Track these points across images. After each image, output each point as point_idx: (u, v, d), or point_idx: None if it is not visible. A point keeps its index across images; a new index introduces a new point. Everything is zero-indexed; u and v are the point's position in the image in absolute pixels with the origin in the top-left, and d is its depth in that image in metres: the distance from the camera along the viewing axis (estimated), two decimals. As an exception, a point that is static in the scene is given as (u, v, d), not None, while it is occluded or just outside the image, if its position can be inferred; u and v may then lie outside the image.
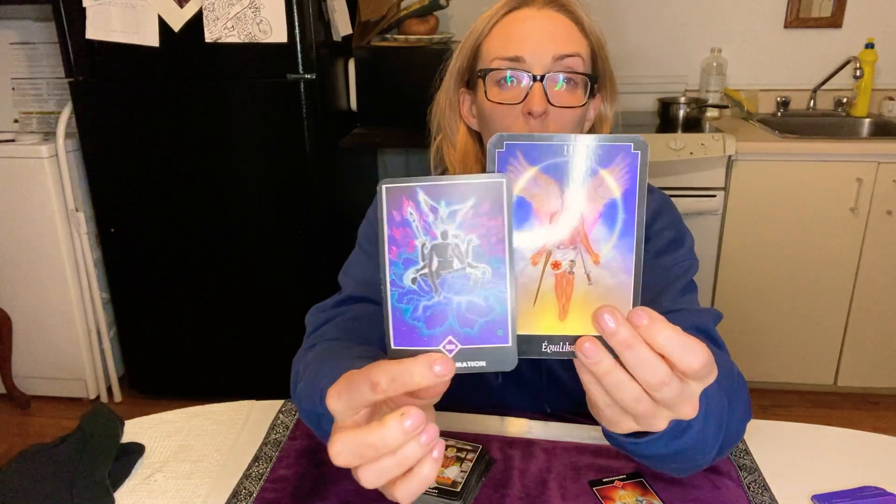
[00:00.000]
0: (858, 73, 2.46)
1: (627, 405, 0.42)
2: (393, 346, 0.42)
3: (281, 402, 1.06)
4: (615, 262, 0.41)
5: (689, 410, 0.43)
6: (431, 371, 0.39)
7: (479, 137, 0.90)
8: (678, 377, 0.40)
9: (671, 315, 0.74)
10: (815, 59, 2.60)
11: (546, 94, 0.78)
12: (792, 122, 2.55)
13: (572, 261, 0.41)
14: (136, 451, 0.94)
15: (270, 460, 0.92)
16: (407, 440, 0.39)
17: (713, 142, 2.14)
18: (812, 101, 2.62)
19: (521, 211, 0.41)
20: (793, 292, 2.33)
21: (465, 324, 0.41)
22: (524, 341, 0.42)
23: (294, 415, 1.03)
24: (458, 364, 0.40)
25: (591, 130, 0.90)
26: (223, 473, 0.90)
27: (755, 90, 2.64)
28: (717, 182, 2.22)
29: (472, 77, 0.86)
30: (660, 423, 0.44)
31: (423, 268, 0.41)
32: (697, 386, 0.42)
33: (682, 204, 2.21)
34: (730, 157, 2.18)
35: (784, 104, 2.62)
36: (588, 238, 0.41)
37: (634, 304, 0.41)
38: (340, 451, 0.41)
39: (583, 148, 0.40)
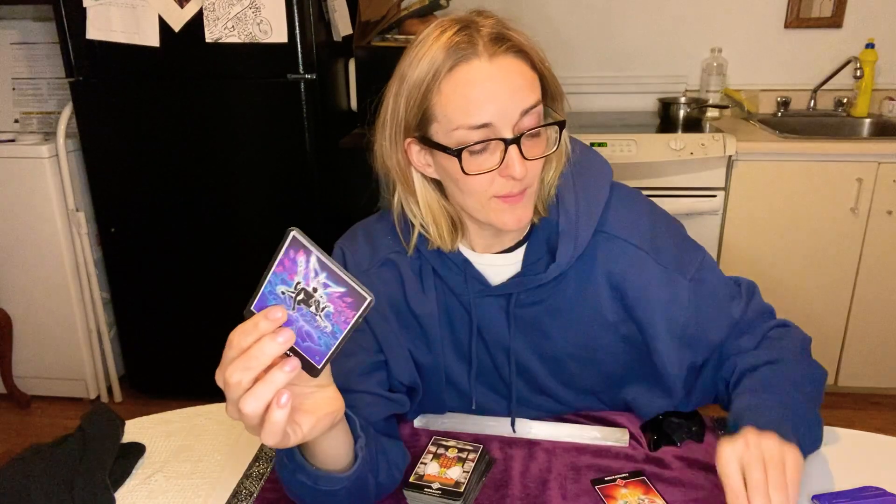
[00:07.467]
0: (859, 73, 2.46)
1: None
2: (252, 308, 0.59)
3: (281, 402, 1.06)
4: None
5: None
6: (266, 318, 0.56)
7: (438, 184, 0.87)
8: None
9: (745, 337, 0.92)
10: (816, 59, 2.60)
11: (521, 152, 0.78)
12: (792, 122, 2.55)
13: None
14: (137, 451, 0.94)
15: (271, 460, 0.92)
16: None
17: (713, 142, 2.14)
18: (812, 102, 2.62)
19: None
20: (793, 292, 2.33)
21: (301, 337, 0.58)
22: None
23: (294, 415, 1.03)
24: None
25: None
26: (223, 473, 0.90)
27: (755, 90, 2.64)
28: (718, 182, 2.22)
29: (424, 137, 0.81)
30: None
31: (290, 291, 0.57)
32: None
33: (682, 204, 2.22)
34: (730, 157, 2.18)
35: (784, 104, 2.62)
36: None
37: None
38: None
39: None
